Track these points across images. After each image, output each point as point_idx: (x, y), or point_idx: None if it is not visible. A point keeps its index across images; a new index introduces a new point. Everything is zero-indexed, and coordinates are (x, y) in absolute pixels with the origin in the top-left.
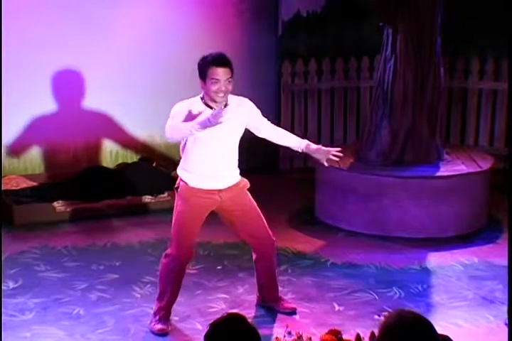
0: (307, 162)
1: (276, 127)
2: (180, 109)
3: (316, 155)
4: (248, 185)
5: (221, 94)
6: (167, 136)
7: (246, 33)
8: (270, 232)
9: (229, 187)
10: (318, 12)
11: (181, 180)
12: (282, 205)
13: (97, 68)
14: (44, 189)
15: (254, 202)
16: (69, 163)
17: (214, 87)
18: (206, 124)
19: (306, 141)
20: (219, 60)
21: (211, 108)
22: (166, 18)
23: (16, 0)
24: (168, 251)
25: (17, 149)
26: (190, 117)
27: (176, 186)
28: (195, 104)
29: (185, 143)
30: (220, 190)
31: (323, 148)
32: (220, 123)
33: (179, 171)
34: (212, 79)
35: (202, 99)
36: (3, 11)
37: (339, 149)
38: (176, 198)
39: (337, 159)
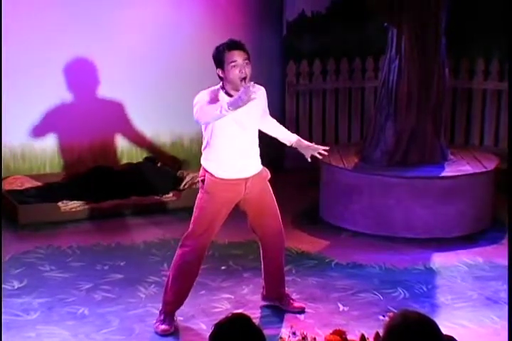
0: (312, 162)
1: (272, 118)
2: (203, 96)
3: (304, 151)
4: (269, 176)
5: (243, 76)
6: (197, 119)
7: (250, 33)
8: (282, 227)
9: (254, 176)
10: (322, 12)
11: (206, 171)
12: (286, 205)
13: (100, 68)
14: (49, 189)
15: (273, 195)
16: (73, 163)
17: (235, 71)
18: (238, 103)
19: (297, 136)
20: (233, 43)
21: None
22: (170, 17)
23: (19, 0)
24: (185, 241)
25: (22, 149)
26: (213, 103)
27: (200, 178)
28: (217, 93)
29: (209, 135)
30: (246, 179)
31: (314, 145)
32: (253, 99)
33: (204, 162)
34: (232, 62)
35: (222, 88)
36: (6, 10)
37: (327, 148)
38: (200, 190)
39: (320, 157)
